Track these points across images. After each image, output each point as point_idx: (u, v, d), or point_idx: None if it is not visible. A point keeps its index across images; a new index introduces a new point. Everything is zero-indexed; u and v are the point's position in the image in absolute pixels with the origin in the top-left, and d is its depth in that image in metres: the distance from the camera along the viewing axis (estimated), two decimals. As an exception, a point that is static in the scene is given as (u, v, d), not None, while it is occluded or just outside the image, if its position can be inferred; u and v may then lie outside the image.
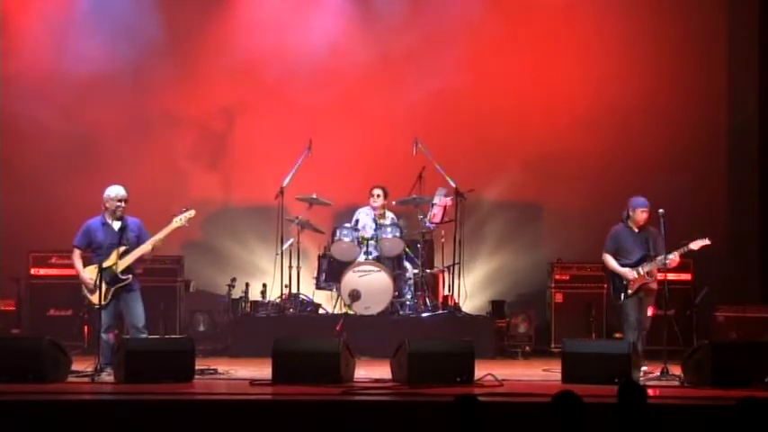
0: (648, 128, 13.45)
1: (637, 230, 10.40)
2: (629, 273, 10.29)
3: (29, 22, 13.49)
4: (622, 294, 10.31)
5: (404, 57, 13.54)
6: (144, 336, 9.88)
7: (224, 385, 9.38)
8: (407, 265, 12.51)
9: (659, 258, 10.16)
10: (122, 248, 9.86)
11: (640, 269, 10.24)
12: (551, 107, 13.49)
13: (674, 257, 10.17)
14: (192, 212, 10.11)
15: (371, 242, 12.27)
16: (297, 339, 9.78)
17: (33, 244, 12.73)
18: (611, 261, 10.46)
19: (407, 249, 12.44)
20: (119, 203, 9.94)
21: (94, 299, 9.82)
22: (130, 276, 9.90)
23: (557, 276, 12.88)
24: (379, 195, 12.58)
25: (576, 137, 13.38)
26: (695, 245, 10.22)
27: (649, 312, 10.32)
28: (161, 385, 8.89)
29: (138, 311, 9.93)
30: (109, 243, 9.90)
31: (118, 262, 9.84)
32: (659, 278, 10.26)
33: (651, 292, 10.34)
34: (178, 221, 10.04)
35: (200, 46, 13.53)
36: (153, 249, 10.01)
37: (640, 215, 10.35)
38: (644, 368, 9.83)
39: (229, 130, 13.74)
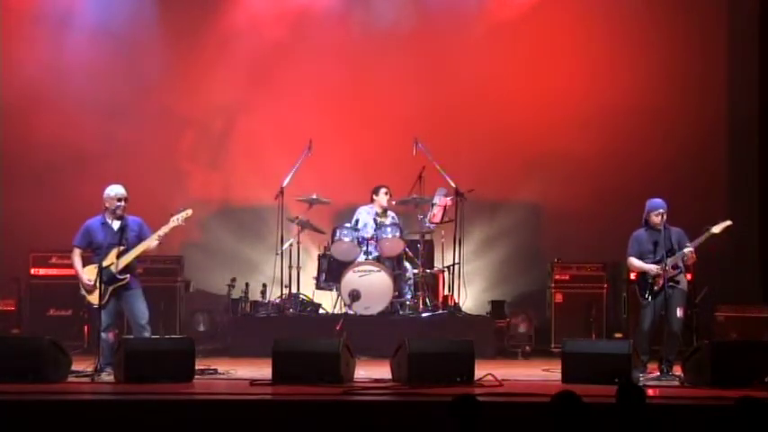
0: (648, 127, 13.45)
1: (658, 230, 10.07)
2: (654, 268, 10.01)
3: (28, 22, 13.49)
4: (648, 294, 10.05)
5: (404, 56, 13.54)
6: (147, 333, 9.88)
7: (224, 385, 9.35)
8: (407, 265, 12.51)
9: (681, 252, 9.96)
10: (121, 248, 9.87)
11: (664, 265, 9.93)
12: (551, 107, 13.49)
13: (690, 251, 9.98)
14: (189, 212, 10.11)
15: (371, 242, 12.27)
16: (297, 339, 9.79)
17: (33, 244, 12.73)
18: (635, 261, 10.22)
19: (407, 249, 12.45)
20: (118, 203, 9.95)
21: (92, 299, 9.83)
22: (128, 276, 9.89)
23: (557, 276, 12.87)
24: (386, 193, 12.57)
25: (576, 136, 13.37)
26: (717, 228, 10.07)
27: (679, 313, 9.97)
28: (161, 385, 8.87)
29: (139, 309, 9.92)
30: (108, 243, 9.90)
31: (116, 262, 9.84)
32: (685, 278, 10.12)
33: (680, 293, 10.04)
34: (175, 221, 10.04)
35: (199, 44, 13.53)
36: (154, 246, 10.00)
37: (656, 218, 10.09)
38: (640, 375, 9.55)
39: (229, 130, 13.74)
